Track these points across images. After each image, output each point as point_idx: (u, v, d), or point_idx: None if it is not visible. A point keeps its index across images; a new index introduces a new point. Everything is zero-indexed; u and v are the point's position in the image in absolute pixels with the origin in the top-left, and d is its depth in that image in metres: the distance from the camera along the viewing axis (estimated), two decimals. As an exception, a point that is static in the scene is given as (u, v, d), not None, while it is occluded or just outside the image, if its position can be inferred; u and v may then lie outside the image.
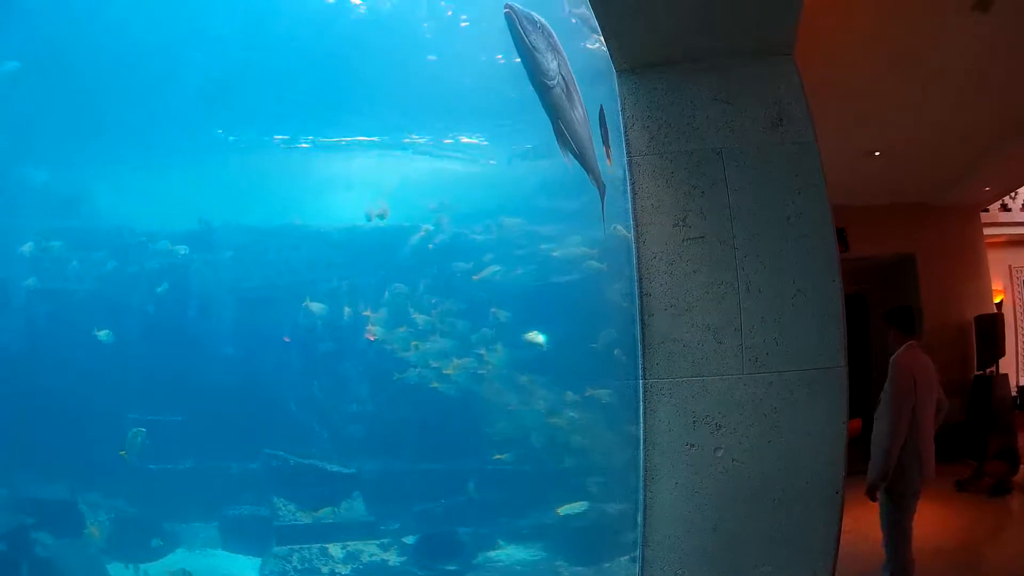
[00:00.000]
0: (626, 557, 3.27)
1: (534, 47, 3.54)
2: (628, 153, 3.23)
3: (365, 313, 7.69)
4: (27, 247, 7.76)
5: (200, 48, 7.87)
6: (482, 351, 7.28)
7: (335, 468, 7.35)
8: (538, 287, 7.58)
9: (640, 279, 2.98)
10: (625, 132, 3.28)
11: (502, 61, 7.71)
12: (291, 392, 7.76)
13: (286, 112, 8.39)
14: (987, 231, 10.90)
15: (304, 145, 8.74)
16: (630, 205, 3.11)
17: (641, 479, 2.97)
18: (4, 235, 7.87)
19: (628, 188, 3.14)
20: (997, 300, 11.27)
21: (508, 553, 6.97)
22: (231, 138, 8.56)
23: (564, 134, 3.76)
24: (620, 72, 3.35)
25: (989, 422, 9.27)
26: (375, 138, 8.62)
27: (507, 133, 8.38)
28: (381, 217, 7.78)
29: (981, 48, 5.49)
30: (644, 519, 3.00)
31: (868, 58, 5.65)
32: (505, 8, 3.51)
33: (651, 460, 2.96)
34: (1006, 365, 10.03)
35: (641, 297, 2.97)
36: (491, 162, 8.50)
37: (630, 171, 3.18)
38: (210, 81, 7.79)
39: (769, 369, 2.99)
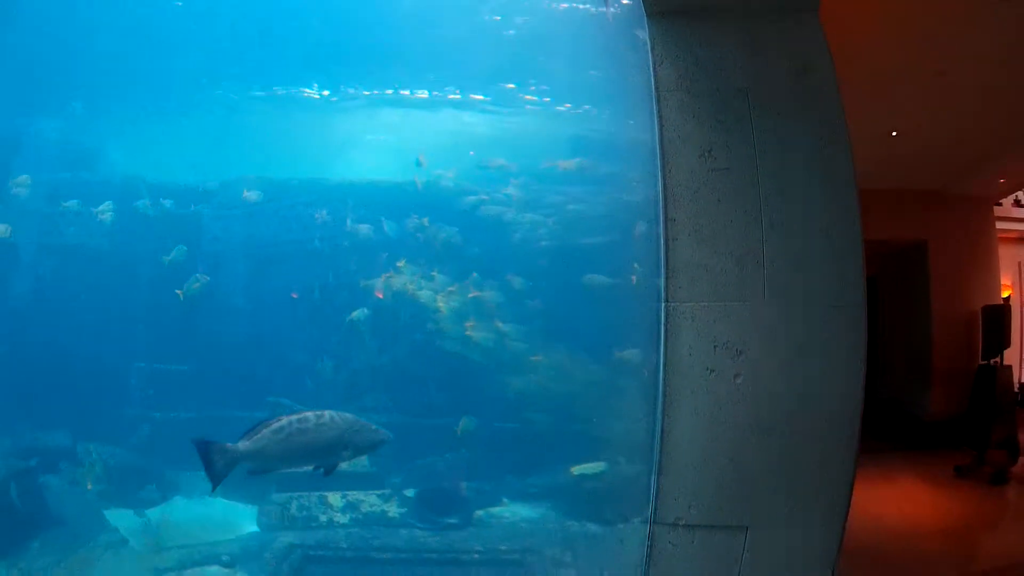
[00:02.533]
0: (639, 519, 3.25)
1: None
2: (656, 89, 3.26)
3: (389, 270, 7.64)
4: (27, 194, 7.74)
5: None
6: (497, 317, 7.24)
7: None
8: (563, 247, 7.55)
9: (665, 205, 2.99)
10: (654, 69, 3.31)
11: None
12: (302, 342, 7.74)
13: (313, 64, 8.35)
14: (999, 226, 10.92)
15: (332, 98, 8.69)
16: (657, 136, 3.12)
17: (660, 405, 2.97)
18: (15, 187, 7.89)
19: (655, 120, 3.16)
20: (1005, 295, 11.28)
21: (512, 510, 6.95)
22: (254, 91, 8.51)
23: None
24: (651, 16, 3.39)
25: (991, 411, 9.30)
26: (404, 92, 8.56)
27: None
28: (418, 163, 7.74)
29: (1012, 38, 5.50)
30: (660, 447, 3.00)
31: (895, 37, 5.66)
32: None
33: (671, 384, 2.96)
34: (1010, 358, 10.03)
35: (666, 222, 2.98)
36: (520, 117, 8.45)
37: (657, 105, 3.20)
38: (237, 30, 7.76)
39: (791, 301, 3.01)
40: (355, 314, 7.41)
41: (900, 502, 7.41)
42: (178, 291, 7.16)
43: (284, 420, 4.40)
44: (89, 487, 7.07)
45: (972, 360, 9.92)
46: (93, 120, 8.28)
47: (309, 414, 4.48)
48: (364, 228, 7.74)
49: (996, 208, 10.77)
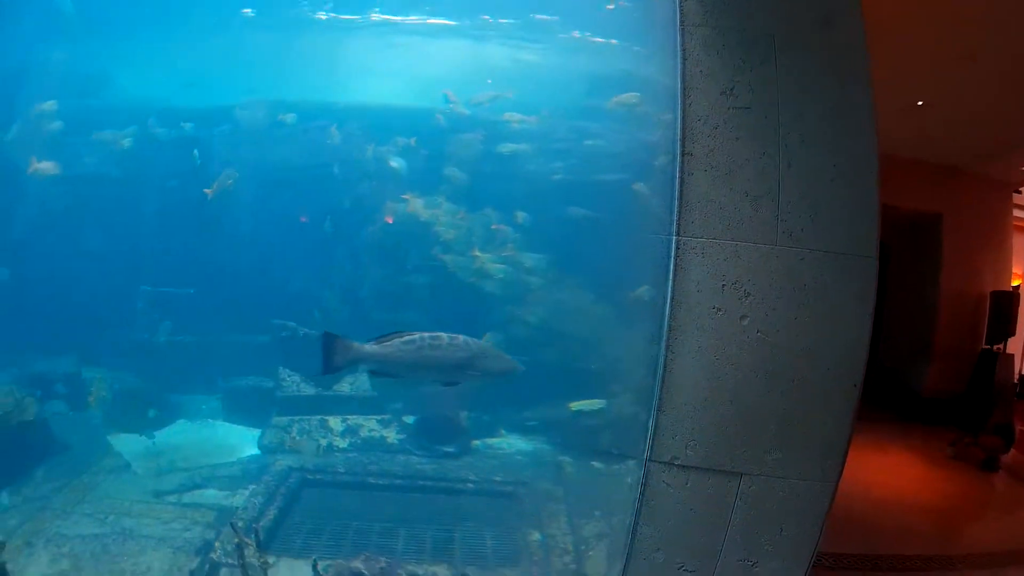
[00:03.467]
0: (633, 461, 3.25)
1: None
2: (681, 23, 3.17)
3: (404, 196, 7.57)
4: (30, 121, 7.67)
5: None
6: (510, 245, 7.18)
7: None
8: (577, 183, 7.48)
9: (683, 139, 2.94)
10: (680, 3, 3.21)
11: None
12: (310, 267, 7.74)
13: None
14: (1015, 213, 10.78)
15: (354, 18, 8.52)
16: (679, 70, 3.04)
17: (663, 340, 2.96)
18: (24, 115, 7.81)
19: (678, 53, 3.08)
20: (1015, 284, 11.19)
21: (509, 442, 7.03)
22: (273, 11, 8.35)
23: None
24: (678, -46, 3.27)
25: (989, 396, 9.32)
26: (429, 19, 8.39)
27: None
28: (446, 99, 7.63)
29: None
30: (662, 383, 3.00)
31: (926, 14, 5.51)
32: None
33: (676, 320, 2.94)
34: (1013, 347, 10.00)
35: (682, 156, 2.92)
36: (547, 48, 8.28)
37: (682, 38, 3.11)
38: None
39: (803, 245, 2.97)
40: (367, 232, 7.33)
41: (890, 474, 7.48)
42: (207, 190, 7.08)
43: (416, 335, 4.47)
44: (93, 412, 7.17)
45: (976, 342, 9.90)
46: (103, 45, 8.18)
47: (443, 334, 4.55)
48: (378, 153, 7.66)
49: (1014, 195, 10.61)
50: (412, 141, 7.63)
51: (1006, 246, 10.34)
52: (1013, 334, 9.78)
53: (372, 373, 5.19)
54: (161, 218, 7.52)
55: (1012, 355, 9.80)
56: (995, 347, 9.73)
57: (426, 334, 4.50)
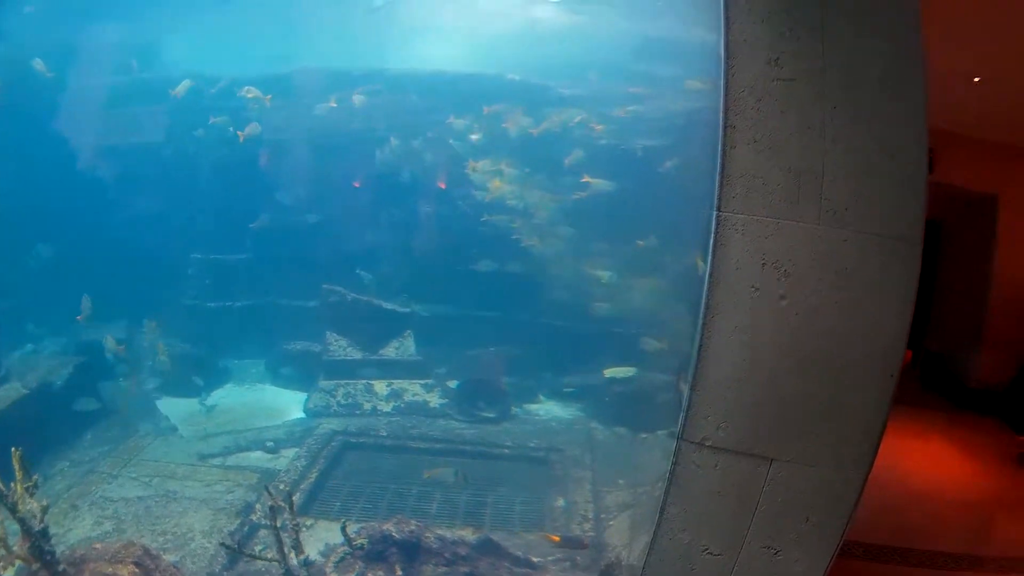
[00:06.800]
0: (664, 432, 3.24)
1: None
2: (727, -12, 3.06)
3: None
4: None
5: None
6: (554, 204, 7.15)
7: (391, 307, 7.47)
8: (621, 148, 7.40)
9: (727, 110, 2.86)
10: (726, -33, 3.10)
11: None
12: (359, 233, 7.84)
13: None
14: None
15: None
16: (722, 38, 2.95)
17: (701, 317, 2.92)
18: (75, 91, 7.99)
19: (722, 23, 2.98)
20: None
21: (547, 408, 7.12)
22: None
23: None
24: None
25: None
26: None
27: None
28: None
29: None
30: (697, 360, 2.97)
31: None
32: None
33: (714, 297, 2.90)
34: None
35: (725, 128, 2.85)
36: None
37: (725, 5, 3.01)
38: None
39: (846, 225, 2.87)
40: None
41: (930, 464, 7.30)
42: (239, 132, 7.19)
43: None
44: (143, 378, 7.44)
45: (1027, 330, 9.50)
46: (152, 17, 8.31)
47: None
48: (428, 120, 7.67)
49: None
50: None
51: (1064, 229, 9.84)
52: (1067, 324, 9.36)
53: None
54: (216, 186, 7.66)
55: (1066, 347, 9.39)
56: (1049, 336, 9.33)
57: None
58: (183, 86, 7.47)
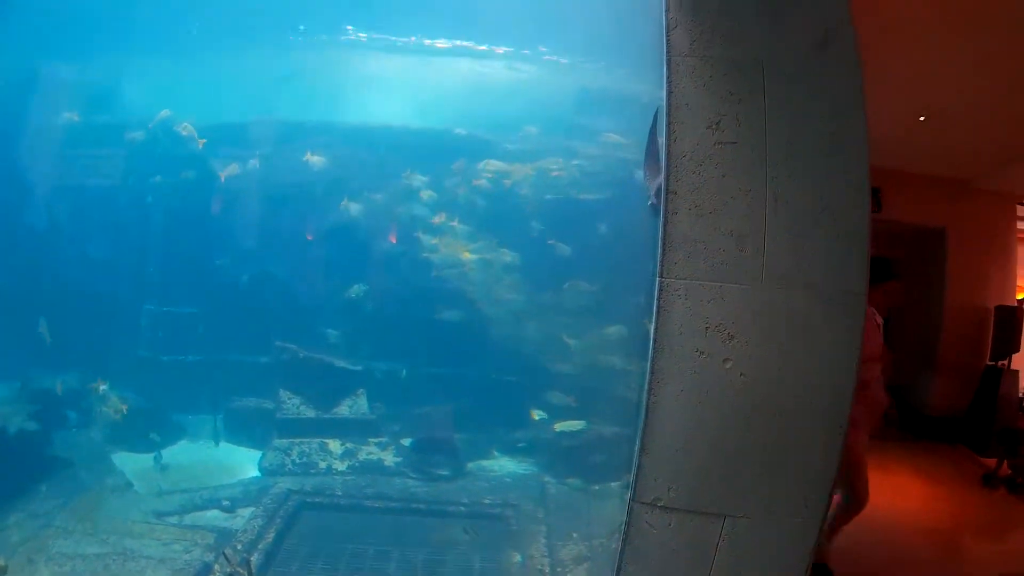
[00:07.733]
0: (617, 483, 3.22)
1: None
2: (668, 53, 3.11)
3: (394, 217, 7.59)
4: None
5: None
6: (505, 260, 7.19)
7: (343, 364, 7.41)
8: (564, 201, 7.49)
9: (668, 176, 2.89)
10: (667, 33, 3.15)
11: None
12: (307, 288, 7.77)
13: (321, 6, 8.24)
14: (1020, 225, 10.62)
15: (348, 36, 8.56)
16: (664, 103, 3.00)
17: (647, 381, 2.91)
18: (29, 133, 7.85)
19: (664, 87, 3.03)
20: (1020, 296, 11.04)
21: (501, 464, 7.06)
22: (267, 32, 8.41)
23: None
24: (667, -19, 3.22)
25: (991, 414, 9.18)
26: (410, 39, 8.44)
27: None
28: None
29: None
30: (644, 424, 2.95)
31: (933, 14, 5.43)
32: None
33: (659, 362, 2.89)
34: (1019, 363, 9.85)
35: (667, 194, 2.87)
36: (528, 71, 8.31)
37: (668, 71, 3.06)
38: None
39: (790, 285, 2.90)
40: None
41: (893, 495, 7.38)
42: (221, 172, 7.10)
43: None
44: (96, 430, 7.19)
45: (980, 359, 9.76)
46: (109, 61, 8.22)
47: None
48: (379, 173, 7.69)
49: (1019, 207, 10.47)
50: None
51: (1010, 259, 10.23)
52: (1017, 350, 9.63)
53: None
54: (165, 237, 7.55)
55: (1017, 371, 9.65)
56: (999, 363, 9.59)
57: None
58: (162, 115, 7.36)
